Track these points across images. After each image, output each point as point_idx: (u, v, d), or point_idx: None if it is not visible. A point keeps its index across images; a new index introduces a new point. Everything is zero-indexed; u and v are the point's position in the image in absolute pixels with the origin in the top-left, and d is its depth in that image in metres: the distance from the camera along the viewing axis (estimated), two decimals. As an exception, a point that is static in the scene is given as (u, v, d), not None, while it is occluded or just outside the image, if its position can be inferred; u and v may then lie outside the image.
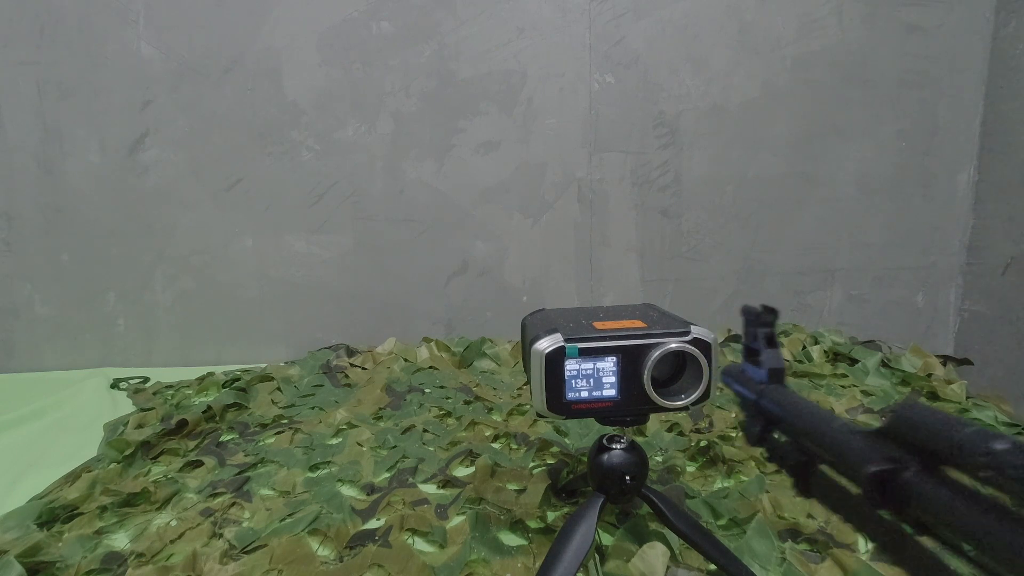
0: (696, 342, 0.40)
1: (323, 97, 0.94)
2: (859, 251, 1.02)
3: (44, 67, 0.91)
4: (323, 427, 0.65)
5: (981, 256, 1.01)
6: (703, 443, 0.57)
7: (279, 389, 0.77)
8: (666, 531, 0.44)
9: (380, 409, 0.69)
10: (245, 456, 0.59)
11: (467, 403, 0.69)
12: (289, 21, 0.92)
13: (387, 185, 0.96)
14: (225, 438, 0.64)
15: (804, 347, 0.80)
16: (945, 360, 0.73)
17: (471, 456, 0.57)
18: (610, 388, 0.40)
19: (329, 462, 0.57)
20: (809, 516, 0.46)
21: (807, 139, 0.98)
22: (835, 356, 0.78)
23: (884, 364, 0.75)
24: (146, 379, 0.86)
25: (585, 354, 0.39)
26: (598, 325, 0.42)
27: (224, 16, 0.91)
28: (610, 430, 0.44)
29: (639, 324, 0.42)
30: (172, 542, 0.45)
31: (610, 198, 0.98)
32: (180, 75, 0.92)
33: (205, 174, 0.95)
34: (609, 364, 0.40)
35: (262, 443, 0.62)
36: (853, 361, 0.76)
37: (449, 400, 0.70)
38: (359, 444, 0.60)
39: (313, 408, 0.71)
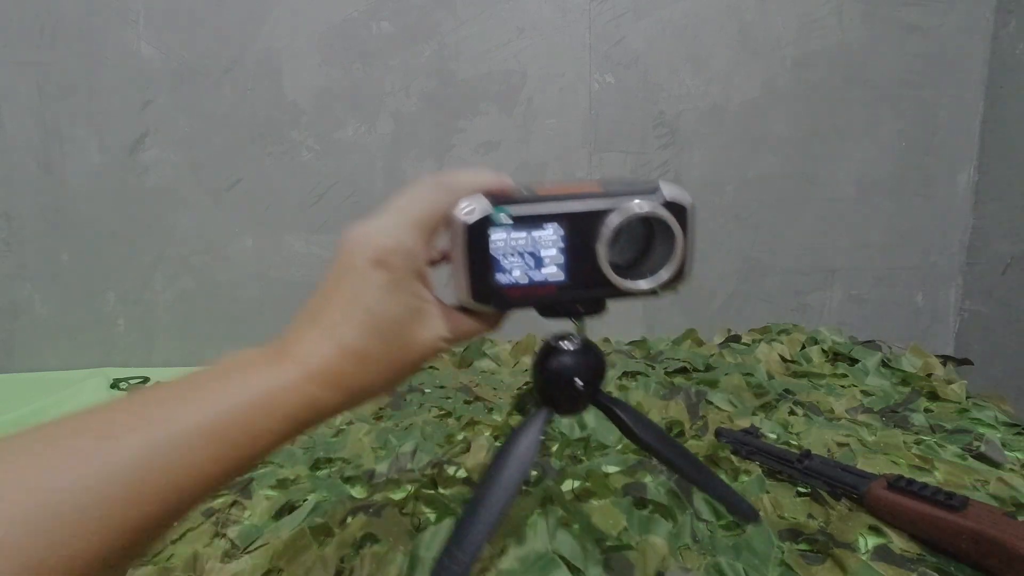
0: (669, 206, 0.32)
1: (323, 97, 0.94)
2: (859, 251, 1.02)
3: (44, 67, 0.91)
4: (323, 427, 0.65)
5: (981, 256, 1.01)
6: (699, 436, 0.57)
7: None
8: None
9: (380, 409, 0.69)
10: (245, 456, 0.59)
11: (467, 403, 0.70)
12: (289, 21, 0.92)
13: (387, 185, 0.96)
14: (225, 438, 0.64)
15: (803, 347, 0.80)
16: (945, 360, 0.73)
17: (469, 451, 0.57)
18: (554, 268, 0.32)
19: (330, 460, 0.57)
20: (809, 516, 0.46)
21: (807, 139, 0.98)
22: (835, 356, 0.78)
23: (884, 364, 0.75)
24: (146, 379, 0.86)
25: (520, 222, 0.31)
26: (540, 190, 0.32)
27: (224, 16, 0.91)
28: (557, 330, 0.37)
29: (593, 186, 0.33)
30: (173, 543, 0.45)
31: (610, 198, 0.98)
32: (180, 75, 0.92)
33: (205, 174, 0.95)
34: (552, 235, 0.31)
35: (262, 443, 0.62)
36: (853, 361, 0.76)
37: (449, 400, 0.70)
38: (360, 439, 0.60)
39: (313, 408, 0.71)
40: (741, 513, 0.38)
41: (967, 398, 0.65)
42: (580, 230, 0.31)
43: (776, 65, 0.96)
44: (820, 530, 0.44)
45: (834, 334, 0.82)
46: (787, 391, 0.69)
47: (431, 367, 0.83)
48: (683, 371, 0.76)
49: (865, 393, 0.68)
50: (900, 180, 1.00)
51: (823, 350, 0.79)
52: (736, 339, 0.87)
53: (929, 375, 0.71)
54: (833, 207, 1.00)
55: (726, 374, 0.73)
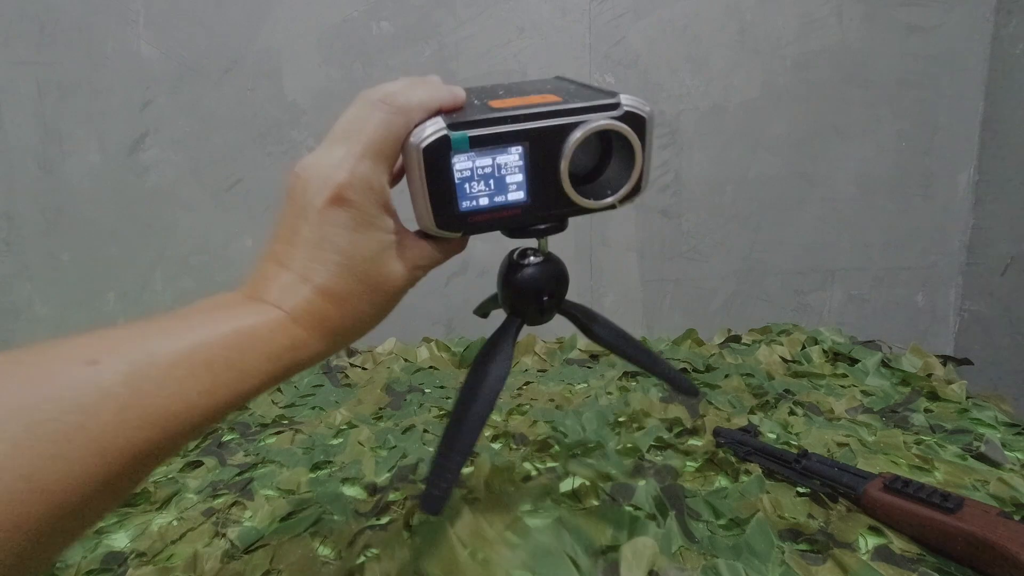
0: (628, 117, 0.31)
1: (323, 97, 0.94)
2: (859, 251, 1.02)
3: (44, 67, 0.91)
4: (324, 427, 0.65)
5: (981, 256, 1.01)
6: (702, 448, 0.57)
7: (279, 389, 0.77)
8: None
9: (380, 409, 0.69)
10: (245, 456, 0.59)
11: (467, 403, 0.69)
12: (289, 21, 0.92)
13: (387, 185, 0.96)
14: (226, 438, 0.64)
15: (804, 347, 0.80)
16: (945, 360, 0.73)
17: (471, 455, 0.57)
18: (516, 189, 0.31)
19: (330, 462, 0.57)
20: (810, 516, 0.46)
21: (807, 139, 0.98)
22: (835, 356, 0.78)
23: (884, 364, 0.75)
24: (146, 379, 0.86)
25: (479, 145, 0.30)
26: (496, 104, 0.31)
27: (224, 16, 0.91)
28: (519, 244, 0.38)
29: (551, 98, 0.32)
30: (173, 542, 0.45)
31: (610, 198, 0.98)
32: (180, 75, 0.92)
33: (205, 174, 0.95)
34: (513, 157, 0.31)
35: (263, 443, 0.62)
36: (853, 361, 0.76)
37: (449, 400, 0.71)
38: (360, 443, 0.60)
39: (313, 408, 0.71)
40: (684, 391, 0.44)
41: (967, 398, 0.65)
42: (542, 149, 0.31)
43: (776, 65, 0.96)
44: (820, 530, 0.44)
45: (834, 334, 0.82)
46: (787, 391, 0.69)
47: (431, 367, 0.83)
48: (683, 371, 0.76)
49: (865, 393, 0.68)
50: (900, 180, 1.00)
51: (823, 350, 0.79)
52: (736, 339, 0.87)
53: (929, 375, 0.71)
54: (833, 207, 1.00)
55: (726, 375, 0.73)
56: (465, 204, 0.31)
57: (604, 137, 0.33)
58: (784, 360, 0.78)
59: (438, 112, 0.30)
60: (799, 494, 0.49)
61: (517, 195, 0.32)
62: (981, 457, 0.53)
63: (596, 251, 0.99)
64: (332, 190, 0.27)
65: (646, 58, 0.95)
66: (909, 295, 1.04)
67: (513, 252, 0.38)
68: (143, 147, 0.94)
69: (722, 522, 0.46)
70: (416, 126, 0.29)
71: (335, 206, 0.27)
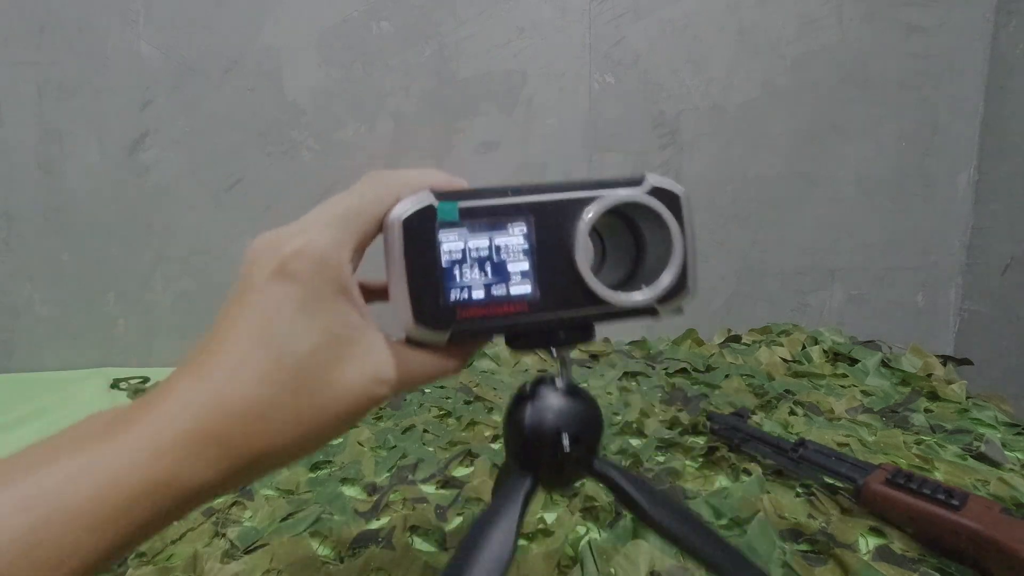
0: (658, 193, 0.26)
1: (323, 97, 0.94)
2: (859, 251, 1.02)
3: (44, 67, 0.91)
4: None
5: (981, 256, 1.01)
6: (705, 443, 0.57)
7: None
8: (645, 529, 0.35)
9: (380, 409, 0.69)
10: (245, 456, 0.59)
11: (467, 403, 0.70)
12: (289, 21, 0.92)
13: (387, 185, 0.96)
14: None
15: (804, 347, 0.80)
16: (945, 360, 0.73)
17: (470, 456, 0.57)
18: (522, 280, 0.25)
19: (330, 462, 0.57)
20: (810, 516, 0.46)
21: (807, 139, 0.98)
22: (835, 356, 0.78)
23: (884, 364, 0.75)
24: (146, 379, 0.86)
25: (473, 217, 0.25)
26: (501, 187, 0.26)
27: (224, 16, 0.91)
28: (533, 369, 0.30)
29: (566, 182, 0.27)
30: (173, 542, 0.45)
31: (610, 198, 0.98)
32: (180, 75, 0.92)
33: (205, 174, 0.95)
34: (516, 237, 0.25)
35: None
36: (853, 361, 0.76)
37: (449, 400, 0.70)
38: (360, 444, 0.60)
39: (313, 408, 0.71)
40: None
41: (967, 398, 0.65)
42: (551, 227, 0.25)
43: (776, 65, 0.96)
44: (821, 530, 0.44)
45: (834, 334, 0.82)
46: (787, 391, 0.69)
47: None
48: (683, 371, 0.76)
49: (865, 393, 0.68)
50: (900, 180, 1.00)
51: (823, 350, 0.79)
52: (736, 339, 0.87)
53: (929, 375, 0.71)
54: (833, 207, 1.00)
55: (726, 375, 0.73)
56: (454, 294, 0.25)
57: (634, 231, 0.28)
58: (784, 360, 0.78)
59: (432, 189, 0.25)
60: (799, 494, 0.49)
61: (522, 287, 0.25)
62: (981, 457, 0.53)
63: (596, 251, 0.99)
64: (277, 260, 0.22)
65: (646, 58, 0.95)
66: (909, 295, 1.04)
67: (525, 384, 0.29)
68: (143, 147, 0.94)
69: (723, 522, 0.46)
70: (402, 200, 0.25)
71: (277, 279, 0.22)
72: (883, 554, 0.41)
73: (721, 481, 0.52)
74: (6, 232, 0.95)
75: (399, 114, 0.95)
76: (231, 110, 0.93)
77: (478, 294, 0.25)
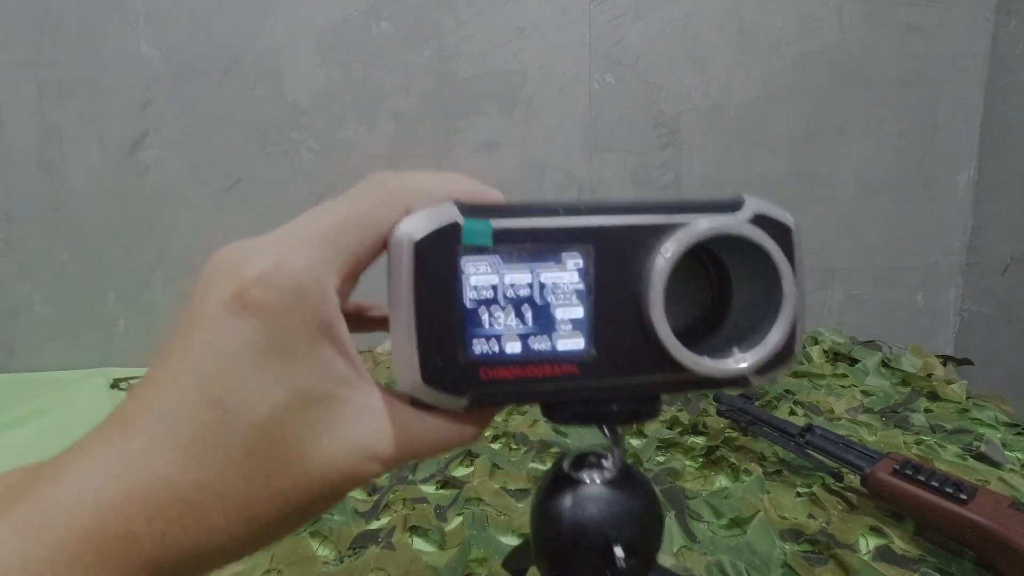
0: (761, 222, 0.19)
1: (323, 97, 0.94)
2: (859, 251, 1.02)
3: (44, 67, 0.91)
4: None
5: (981, 256, 1.01)
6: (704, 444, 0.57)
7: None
8: None
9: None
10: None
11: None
12: (289, 21, 0.92)
13: (387, 185, 0.96)
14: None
15: (804, 347, 0.80)
16: (945, 360, 0.73)
17: (470, 456, 0.57)
18: (572, 332, 0.19)
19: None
20: (810, 516, 0.46)
21: (807, 139, 0.98)
22: (835, 356, 0.78)
23: (884, 364, 0.75)
24: (146, 379, 0.86)
25: (512, 242, 0.18)
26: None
27: (224, 16, 0.91)
28: (573, 439, 0.23)
29: (636, 202, 0.20)
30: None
31: (610, 198, 0.98)
32: (180, 75, 0.92)
33: (205, 174, 0.95)
34: (569, 273, 0.19)
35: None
36: (853, 361, 0.76)
37: (449, 400, 0.70)
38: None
39: (313, 408, 0.71)
40: None
41: (967, 398, 0.65)
42: (617, 262, 0.19)
43: (776, 65, 0.96)
44: (821, 531, 0.44)
45: (834, 334, 0.82)
46: (787, 391, 0.69)
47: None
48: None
49: (865, 393, 0.68)
50: (900, 180, 1.00)
51: (823, 350, 0.79)
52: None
53: (929, 375, 0.71)
54: (833, 207, 1.00)
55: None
56: (479, 346, 0.18)
57: (719, 267, 0.21)
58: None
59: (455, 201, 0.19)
60: (799, 494, 0.49)
61: (573, 341, 0.19)
62: (981, 457, 0.53)
63: (596, 251, 0.99)
64: (235, 286, 0.16)
65: (646, 58, 0.95)
66: (909, 295, 1.04)
67: (562, 460, 0.23)
68: (143, 147, 0.94)
69: (723, 522, 0.46)
70: (410, 215, 0.19)
71: (233, 313, 0.16)
72: (883, 554, 0.41)
73: (721, 481, 0.51)
74: (6, 232, 0.95)
75: (399, 114, 0.95)
76: (231, 110, 0.93)
77: (512, 348, 0.18)
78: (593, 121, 0.96)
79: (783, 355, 0.20)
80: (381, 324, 0.23)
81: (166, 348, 0.17)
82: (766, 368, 0.20)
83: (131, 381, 0.85)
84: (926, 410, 0.63)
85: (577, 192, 0.97)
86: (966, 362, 0.73)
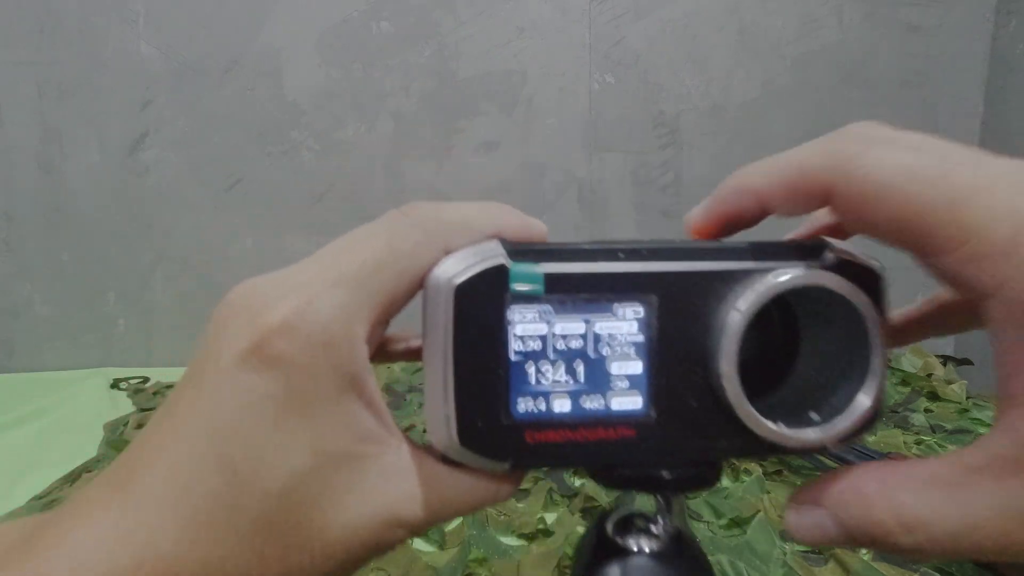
0: (846, 269, 0.18)
1: (323, 97, 0.94)
2: (859, 251, 1.02)
3: (44, 67, 0.91)
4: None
5: (981, 256, 1.00)
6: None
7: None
8: None
9: (380, 409, 0.69)
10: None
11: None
12: (289, 21, 0.92)
13: (387, 185, 0.96)
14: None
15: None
16: (945, 360, 0.73)
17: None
18: (629, 390, 0.17)
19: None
20: (809, 516, 0.46)
21: (807, 139, 0.97)
22: (835, 356, 0.78)
23: (884, 364, 0.75)
24: (146, 379, 0.86)
25: (565, 290, 0.17)
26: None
27: (224, 16, 0.91)
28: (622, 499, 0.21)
29: (701, 242, 0.19)
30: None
31: (610, 198, 0.98)
32: (180, 75, 0.92)
33: (205, 174, 0.95)
34: (628, 324, 0.17)
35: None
36: (853, 361, 0.76)
37: (449, 400, 0.70)
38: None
39: (313, 408, 0.71)
40: None
41: (967, 398, 0.65)
42: (683, 313, 0.17)
43: (776, 65, 0.96)
44: (820, 530, 0.44)
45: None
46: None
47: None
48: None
49: (865, 393, 0.68)
50: (900, 180, 1.00)
51: (823, 350, 0.79)
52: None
53: (929, 375, 0.71)
54: (833, 207, 1.00)
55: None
56: (524, 405, 0.17)
57: (788, 315, 0.19)
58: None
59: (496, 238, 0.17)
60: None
61: (630, 401, 0.17)
62: (981, 457, 0.53)
63: (596, 251, 0.99)
64: (255, 334, 0.15)
65: (646, 58, 0.95)
66: (909, 295, 1.04)
67: (604, 518, 0.21)
68: (143, 147, 0.94)
69: (723, 522, 0.46)
70: (449, 254, 0.17)
71: (251, 366, 0.14)
72: (883, 555, 0.41)
73: (721, 481, 0.52)
74: (6, 232, 0.95)
75: (399, 114, 0.95)
76: (231, 110, 0.93)
77: (561, 406, 0.17)
78: (593, 121, 0.96)
79: (870, 420, 0.17)
80: (404, 356, 0.21)
81: (175, 400, 0.15)
82: (851, 436, 0.17)
83: (131, 381, 0.85)
84: (926, 410, 0.63)
85: (577, 190, 0.97)
86: (966, 362, 0.73)
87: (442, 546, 0.45)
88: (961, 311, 0.21)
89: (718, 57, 0.96)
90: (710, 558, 0.41)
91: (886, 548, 0.15)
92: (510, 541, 0.45)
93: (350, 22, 0.92)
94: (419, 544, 0.45)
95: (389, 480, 0.16)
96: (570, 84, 0.95)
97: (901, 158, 0.16)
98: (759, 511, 0.46)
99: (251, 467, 0.14)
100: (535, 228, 0.18)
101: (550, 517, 0.47)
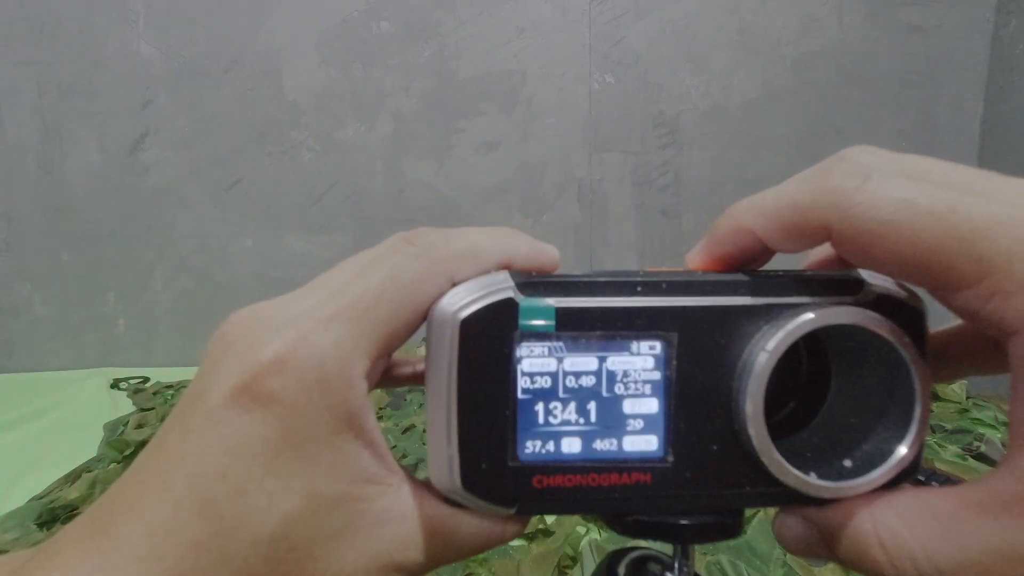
0: (886, 305, 0.16)
1: (323, 97, 0.94)
2: (859, 251, 1.02)
3: (44, 67, 0.91)
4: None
5: (981, 256, 1.01)
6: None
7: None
8: None
9: (380, 408, 0.69)
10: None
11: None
12: (289, 21, 0.92)
13: (387, 185, 0.96)
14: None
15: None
16: (945, 360, 0.73)
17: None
18: (644, 431, 0.16)
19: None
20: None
21: (807, 139, 0.98)
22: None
23: (884, 364, 0.75)
24: (146, 379, 0.86)
25: (577, 327, 0.16)
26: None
27: (224, 16, 0.91)
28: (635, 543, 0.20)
29: (723, 275, 0.17)
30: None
31: (610, 198, 0.98)
32: (180, 75, 0.92)
33: (205, 174, 0.95)
34: (644, 361, 0.16)
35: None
36: (853, 361, 0.76)
37: (449, 400, 0.71)
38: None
39: (313, 408, 0.71)
40: None
41: (967, 398, 0.65)
42: (704, 352, 0.16)
43: (776, 65, 0.96)
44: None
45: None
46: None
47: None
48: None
49: (865, 393, 0.68)
50: (900, 180, 1.00)
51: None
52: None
53: (929, 375, 0.71)
54: (833, 207, 1.00)
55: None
56: (532, 446, 0.16)
57: (817, 351, 0.18)
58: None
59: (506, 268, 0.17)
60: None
61: (645, 443, 0.16)
62: (981, 457, 0.53)
63: (597, 251, 0.99)
64: (248, 370, 0.14)
65: (646, 58, 0.95)
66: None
67: (616, 560, 0.20)
68: (143, 147, 0.94)
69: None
70: (455, 285, 0.16)
71: (242, 405, 0.14)
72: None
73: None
74: (6, 232, 0.95)
75: (399, 114, 0.95)
76: (231, 110, 0.93)
77: (571, 448, 0.16)
78: (593, 121, 0.96)
79: (908, 473, 0.16)
80: (409, 381, 0.20)
81: (162, 438, 0.14)
82: (890, 486, 0.15)
83: (131, 381, 0.85)
84: (926, 410, 0.63)
85: (577, 190, 0.97)
86: (966, 362, 0.73)
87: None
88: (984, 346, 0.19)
89: (718, 57, 0.95)
90: (710, 558, 0.41)
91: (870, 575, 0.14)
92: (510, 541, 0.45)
93: (350, 22, 0.92)
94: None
95: (388, 524, 0.15)
96: (570, 84, 0.95)
97: (901, 191, 0.14)
98: (759, 511, 0.46)
99: (238, 513, 0.13)
100: (546, 255, 0.18)
101: (550, 517, 0.47)
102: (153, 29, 0.91)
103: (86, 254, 0.96)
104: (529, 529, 0.45)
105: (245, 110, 0.93)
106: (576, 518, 0.46)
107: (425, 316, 0.16)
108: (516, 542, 0.45)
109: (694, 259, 0.18)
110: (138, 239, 0.96)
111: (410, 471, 0.17)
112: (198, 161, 0.94)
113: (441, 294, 0.16)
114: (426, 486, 0.16)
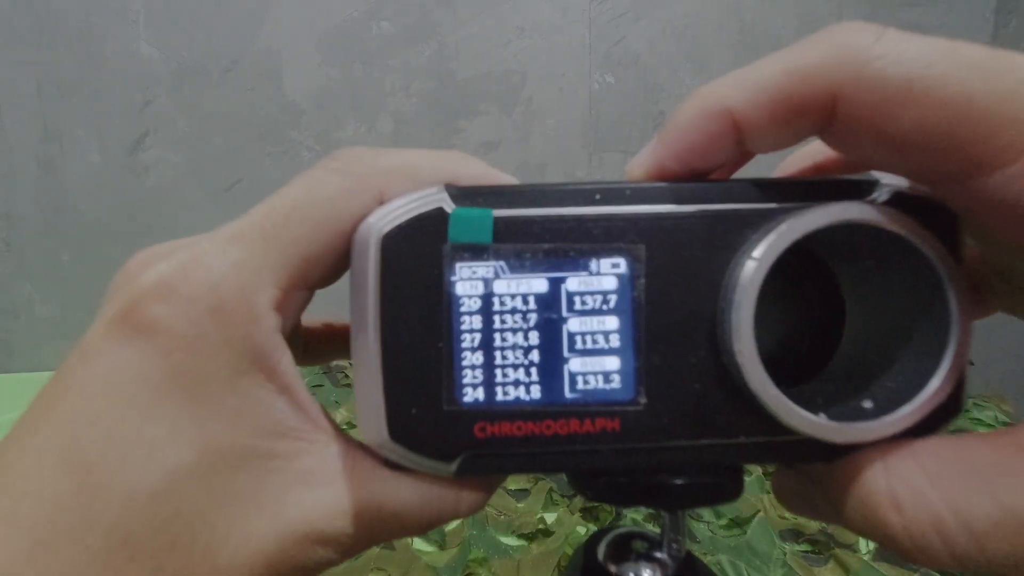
0: (908, 205, 0.12)
1: (323, 97, 0.94)
2: (859, 251, 1.02)
3: (44, 67, 0.91)
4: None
5: (981, 256, 1.01)
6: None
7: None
8: None
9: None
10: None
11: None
12: (289, 21, 0.92)
13: (387, 185, 0.96)
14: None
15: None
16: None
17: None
18: (608, 366, 0.13)
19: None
20: (810, 516, 0.46)
21: (807, 139, 0.98)
22: (835, 356, 0.78)
23: (884, 364, 0.75)
24: (146, 379, 0.86)
25: (520, 239, 0.12)
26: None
27: (224, 16, 0.91)
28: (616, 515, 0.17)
29: (704, 182, 0.14)
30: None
31: (610, 198, 0.98)
32: (180, 75, 0.92)
33: (205, 174, 0.95)
34: (606, 281, 0.13)
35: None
36: (853, 361, 0.76)
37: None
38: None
39: (313, 408, 0.71)
40: None
41: (967, 398, 0.65)
42: (682, 268, 0.13)
43: (776, 65, 0.96)
44: (821, 530, 0.44)
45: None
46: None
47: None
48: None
49: (865, 393, 0.68)
50: (900, 180, 1.00)
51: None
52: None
53: (929, 375, 0.71)
54: (833, 207, 1.00)
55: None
56: (470, 391, 0.13)
57: (819, 274, 0.15)
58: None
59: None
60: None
61: (609, 381, 0.13)
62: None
63: (596, 251, 0.99)
64: (127, 298, 0.12)
65: (646, 58, 0.95)
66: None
67: (595, 543, 0.17)
68: (143, 147, 0.94)
69: (723, 522, 0.46)
70: (385, 203, 0.14)
71: (123, 334, 0.12)
72: (883, 554, 0.41)
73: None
74: (6, 232, 0.95)
75: (399, 114, 0.95)
76: (231, 110, 0.93)
77: (518, 393, 0.13)
78: (593, 121, 0.96)
79: (947, 410, 0.13)
80: (331, 354, 0.18)
81: (45, 387, 0.12)
82: (922, 429, 0.12)
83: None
84: (926, 410, 0.63)
85: (577, 192, 0.97)
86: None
87: (442, 546, 0.45)
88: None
89: (718, 57, 0.95)
90: (710, 558, 0.41)
91: (882, 543, 0.12)
92: (510, 541, 0.45)
93: (350, 22, 0.92)
94: (419, 544, 0.45)
95: (308, 486, 0.12)
96: (570, 84, 0.95)
97: (931, 43, 0.11)
98: (759, 511, 0.46)
99: (110, 466, 0.11)
100: (494, 173, 0.14)
101: (550, 517, 0.47)
102: (153, 29, 0.91)
103: (86, 254, 0.96)
104: (529, 529, 0.45)
105: (245, 110, 0.93)
106: (576, 516, 0.46)
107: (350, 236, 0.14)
108: (516, 542, 0.45)
109: (639, 164, 0.14)
110: (138, 239, 0.95)
111: (345, 432, 0.14)
112: (198, 161, 0.94)
113: (368, 213, 0.14)
114: (362, 447, 0.14)
